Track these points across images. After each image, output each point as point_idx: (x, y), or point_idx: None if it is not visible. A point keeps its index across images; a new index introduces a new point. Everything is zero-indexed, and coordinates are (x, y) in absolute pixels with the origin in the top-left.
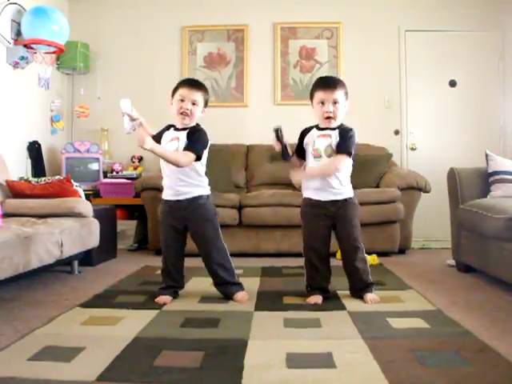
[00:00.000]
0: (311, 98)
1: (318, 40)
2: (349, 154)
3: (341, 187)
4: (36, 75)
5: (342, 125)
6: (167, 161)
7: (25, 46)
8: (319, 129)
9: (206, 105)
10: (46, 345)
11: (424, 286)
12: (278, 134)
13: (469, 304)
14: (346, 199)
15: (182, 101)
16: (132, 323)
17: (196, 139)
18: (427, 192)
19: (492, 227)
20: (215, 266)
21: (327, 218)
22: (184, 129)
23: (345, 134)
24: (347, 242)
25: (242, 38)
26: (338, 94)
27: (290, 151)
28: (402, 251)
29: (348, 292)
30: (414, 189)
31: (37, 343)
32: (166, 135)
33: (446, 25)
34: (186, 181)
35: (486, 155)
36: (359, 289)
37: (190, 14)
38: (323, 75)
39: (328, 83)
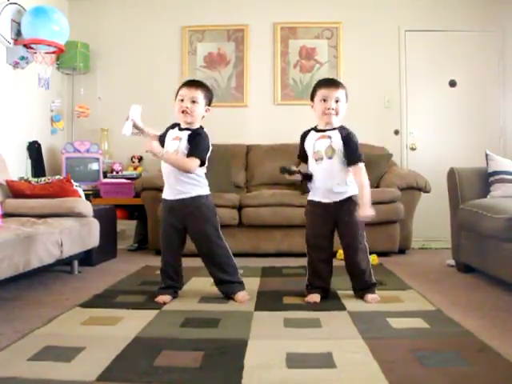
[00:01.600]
0: (312, 97)
1: (317, 40)
2: (362, 161)
3: (344, 187)
4: (36, 75)
5: (341, 126)
6: (173, 166)
7: (25, 45)
8: (317, 130)
9: (209, 103)
10: (46, 345)
11: (424, 286)
12: (289, 172)
13: (469, 304)
14: (349, 197)
15: (181, 100)
16: (132, 323)
17: (197, 143)
18: (427, 192)
19: (492, 227)
20: (215, 265)
21: (329, 217)
22: (187, 129)
23: (348, 141)
24: (350, 241)
25: (242, 37)
26: (340, 92)
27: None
28: (402, 251)
29: (348, 292)
30: (414, 189)
31: (37, 343)
32: (170, 133)
33: (446, 25)
34: (185, 181)
35: (486, 155)
36: (362, 288)
37: (190, 14)
38: (324, 77)
39: (331, 81)
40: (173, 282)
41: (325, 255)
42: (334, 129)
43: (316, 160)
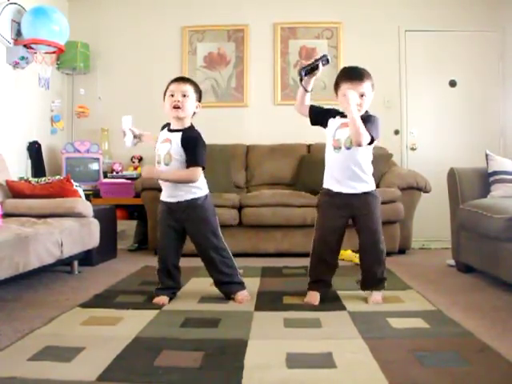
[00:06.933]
0: (336, 87)
1: (317, 40)
2: (371, 136)
3: (363, 176)
4: (36, 75)
5: (366, 112)
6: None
7: (25, 46)
8: (343, 116)
9: (199, 99)
10: (46, 345)
11: (424, 286)
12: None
13: (469, 304)
14: (369, 191)
15: (172, 96)
16: (132, 323)
17: (196, 151)
18: (427, 192)
19: (492, 227)
20: (214, 267)
21: (346, 209)
22: (177, 130)
23: (368, 119)
24: (367, 236)
25: (242, 38)
26: (366, 86)
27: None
28: (402, 251)
29: (348, 292)
30: (414, 189)
31: (37, 343)
32: (160, 135)
33: (446, 25)
34: (181, 185)
35: (486, 155)
36: (372, 284)
37: (190, 14)
38: (349, 66)
39: (355, 75)
40: (173, 282)
41: (336, 248)
42: None
43: (335, 148)
